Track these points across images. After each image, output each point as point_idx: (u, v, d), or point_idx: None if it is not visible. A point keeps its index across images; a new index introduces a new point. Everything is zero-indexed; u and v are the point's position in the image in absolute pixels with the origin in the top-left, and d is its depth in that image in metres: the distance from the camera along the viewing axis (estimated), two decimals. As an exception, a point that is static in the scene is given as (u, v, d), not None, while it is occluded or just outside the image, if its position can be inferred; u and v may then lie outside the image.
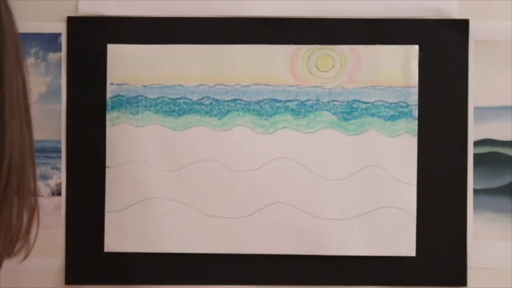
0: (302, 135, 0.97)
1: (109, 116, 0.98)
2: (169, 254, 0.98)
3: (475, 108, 0.98)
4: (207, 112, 0.98)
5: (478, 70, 0.98)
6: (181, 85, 0.98)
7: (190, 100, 0.98)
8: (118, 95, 0.98)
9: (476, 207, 0.98)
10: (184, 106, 0.98)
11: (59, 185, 0.99)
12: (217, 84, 0.98)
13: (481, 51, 0.98)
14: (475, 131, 0.98)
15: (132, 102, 0.98)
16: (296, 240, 0.97)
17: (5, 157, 0.51)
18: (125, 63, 0.98)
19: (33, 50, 0.99)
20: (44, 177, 0.99)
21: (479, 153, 0.98)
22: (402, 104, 0.97)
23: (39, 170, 0.99)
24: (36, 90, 0.99)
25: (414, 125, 0.97)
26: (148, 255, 0.98)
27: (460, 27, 0.98)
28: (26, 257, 0.60)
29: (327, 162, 0.97)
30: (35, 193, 0.58)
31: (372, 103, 0.97)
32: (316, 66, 0.98)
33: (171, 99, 0.98)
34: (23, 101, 0.54)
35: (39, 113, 0.99)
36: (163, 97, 0.98)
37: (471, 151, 0.98)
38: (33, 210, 0.58)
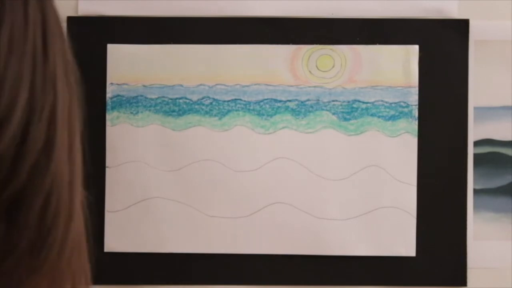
0: (302, 135, 0.97)
1: (109, 116, 0.98)
2: (169, 254, 0.98)
3: (475, 108, 0.98)
4: (207, 112, 0.98)
5: (478, 70, 0.98)
6: (181, 85, 0.98)
7: (190, 100, 0.98)
8: (118, 95, 0.98)
9: (476, 207, 0.98)
10: (184, 106, 0.98)
11: (59, 185, 0.98)
12: (217, 84, 0.98)
13: (481, 51, 0.98)
14: (475, 131, 0.98)
15: (132, 102, 0.98)
16: (296, 240, 0.97)
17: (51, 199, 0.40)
18: (125, 63, 0.98)
19: (33, 50, 0.99)
20: (44, 177, 0.99)
21: (479, 153, 0.98)
22: (402, 104, 0.97)
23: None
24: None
25: (414, 125, 0.97)
26: (148, 255, 0.98)
27: (460, 27, 0.98)
28: None
29: (327, 162, 0.97)
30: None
31: (372, 103, 0.97)
32: (316, 66, 0.98)
33: (171, 99, 0.98)
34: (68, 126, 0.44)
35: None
36: (163, 97, 0.98)
37: (471, 151, 0.98)
38: None
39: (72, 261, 0.43)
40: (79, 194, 0.45)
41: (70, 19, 0.99)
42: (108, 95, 0.98)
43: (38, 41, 0.40)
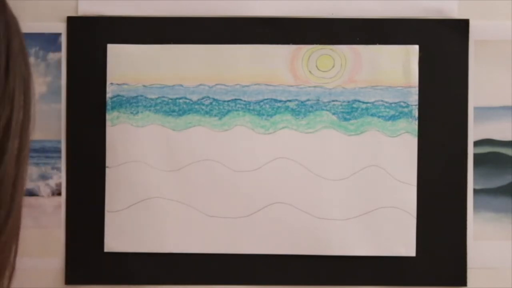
0: (302, 135, 0.97)
1: (109, 116, 0.98)
2: (169, 254, 0.98)
3: (475, 108, 0.98)
4: (207, 112, 0.98)
5: (478, 70, 0.98)
6: (181, 85, 0.98)
7: (190, 100, 0.98)
8: (118, 95, 0.98)
9: (476, 207, 0.98)
10: (184, 106, 0.98)
11: (59, 185, 0.99)
12: (217, 84, 0.98)
13: (481, 51, 0.98)
14: (475, 131, 0.98)
15: (132, 102, 0.98)
16: (296, 240, 0.97)
17: None
18: (125, 63, 0.98)
19: (33, 50, 0.99)
20: (44, 177, 0.99)
21: (479, 153, 0.98)
22: (402, 104, 0.97)
23: (39, 170, 0.99)
24: (36, 90, 0.99)
25: (414, 125, 0.97)
26: (148, 255, 0.98)
27: (460, 27, 0.98)
28: None
29: (327, 162, 0.97)
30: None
31: (372, 103, 0.97)
32: (316, 66, 0.98)
33: (171, 99, 0.98)
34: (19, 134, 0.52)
35: (39, 113, 0.99)
36: (163, 97, 0.98)
37: (471, 151, 0.98)
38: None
39: (1, 253, 0.51)
40: (20, 196, 0.52)
41: (70, 19, 0.99)
42: (108, 95, 0.98)
43: (2, 64, 0.47)
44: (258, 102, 0.98)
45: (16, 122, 0.50)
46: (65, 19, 0.99)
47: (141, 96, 0.98)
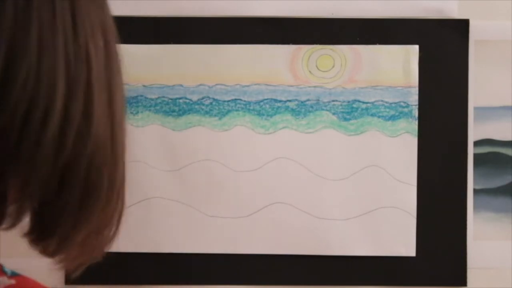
0: (302, 135, 0.97)
1: (109, 116, 0.98)
2: (169, 254, 0.98)
3: (475, 108, 0.98)
4: (207, 112, 0.98)
5: (478, 70, 0.98)
6: (181, 85, 0.98)
7: (190, 100, 0.98)
8: (118, 95, 0.98)
9: (476, 207, 0.98)
10: (184, 106, 0.98)
11: (59, 185, 0.98)
12: (217, 84, 0.98)
13: (481, 51, 0.98)
14: (475, 131, 0.98)
15: (132, 102, 0.98)
16: (296, 240, 0.97)
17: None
18: (125, 63, 0.98)
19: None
20: (44, 177, 0.99)
21: (479, 153, 0.98)
22: (402, 104, 0.97)
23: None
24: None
25: (414, 125, 0.97)
26: (148, 255, 0.98)
27: (460, 27, 0.98)
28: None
29: (327, 162, 0.97)
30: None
31: (372, 103, 0.97)
32: (316, 66, 0.98)
33: (171, 99, 0.98)
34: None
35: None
36: (163, 97, 0.98)
37: (471, 151, 0.98)
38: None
39: (118, 204, 0.52)
40: (122, 142, 0.50)
41: (70, 19, 0.98)
42: (108, 95, 0.98)
43: (69, 31, 0.45)
44: (258, 102, 0.98)
45: (98, 80, 0.48)
46: (65, 19, 0.99)
47: (141, 96, 0.98)
